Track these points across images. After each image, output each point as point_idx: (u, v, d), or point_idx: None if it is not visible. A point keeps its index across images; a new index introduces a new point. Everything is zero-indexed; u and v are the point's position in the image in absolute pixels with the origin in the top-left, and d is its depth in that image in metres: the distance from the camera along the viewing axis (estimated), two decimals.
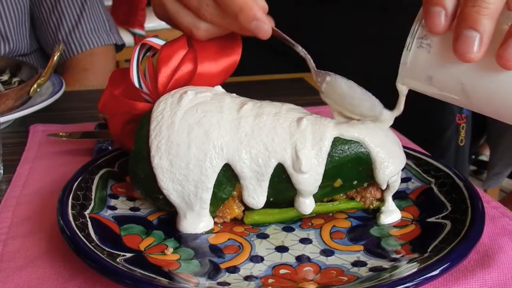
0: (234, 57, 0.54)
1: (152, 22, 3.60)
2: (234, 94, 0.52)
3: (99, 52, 1.21)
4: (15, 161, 0.67)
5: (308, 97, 0.95)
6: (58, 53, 0.82)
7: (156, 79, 0.53)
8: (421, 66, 0.43)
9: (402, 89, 0.46)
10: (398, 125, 0.91)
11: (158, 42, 0.56)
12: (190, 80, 0.53)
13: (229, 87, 0.53)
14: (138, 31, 3.50)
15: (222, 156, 0.46)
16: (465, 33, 0.39)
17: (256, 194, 0.47)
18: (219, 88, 0.53)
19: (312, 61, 0.50)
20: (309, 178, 0.46)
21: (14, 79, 0.88)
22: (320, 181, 0.47)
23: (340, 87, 0.48)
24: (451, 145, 1.14)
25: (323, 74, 0.49)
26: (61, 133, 0.69)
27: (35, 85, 0.80)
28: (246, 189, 0.47)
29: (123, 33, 3.40)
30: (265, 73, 1.08)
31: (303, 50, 0.50)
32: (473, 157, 2.53)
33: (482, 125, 2.09)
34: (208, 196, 0.47)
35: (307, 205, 0.48)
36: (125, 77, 0.55)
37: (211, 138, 0.46)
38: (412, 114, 1.09)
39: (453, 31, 0.40)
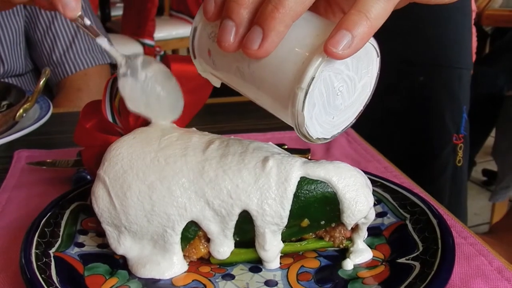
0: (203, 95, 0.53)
1: (162, 32, 3.61)
2: (206, 132, 0.51)
3: (93, 72, 1.21)
4: None
5: None
6: (45, 78, 0.82)
7: (128, 112, 0.53)
8: (202, 47, 0.44)
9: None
10: (392, 148, 0.90)
11: None
12: None
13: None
14: (147, 41, 3.52)
15: (185, 217, 0.46)
16: (224, 22, 0.39)
17: (222, 247, 0.47)
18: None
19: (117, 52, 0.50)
20: (270, 252, 0.47)
21: (3, 102, 0.88)
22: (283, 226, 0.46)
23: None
24: (448, 166, 1.12)
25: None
26: (42, 161, 0.69)
27: (21, 110, 0.80)
28: (212, 242, 0.47)
29: (133, 44, 3.44)
30: None
31: (109, 41, 0.50)
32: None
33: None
34: (178, 257, 0.47)
35: (271, 264, 0.48)
36: (98, 110, 0.55)
37: (174, 196, 0.46)
38: (405, 135, 1.09)
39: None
